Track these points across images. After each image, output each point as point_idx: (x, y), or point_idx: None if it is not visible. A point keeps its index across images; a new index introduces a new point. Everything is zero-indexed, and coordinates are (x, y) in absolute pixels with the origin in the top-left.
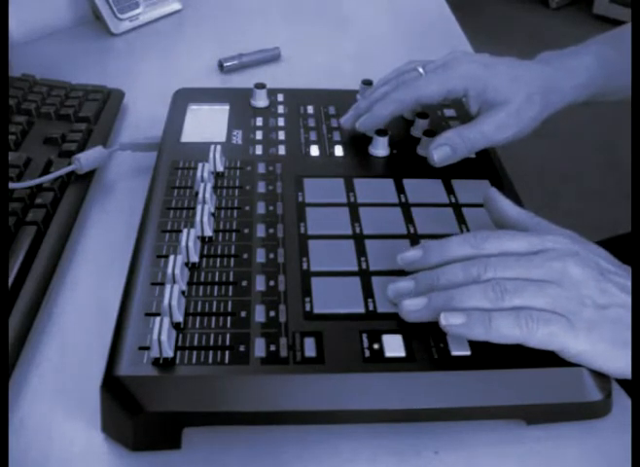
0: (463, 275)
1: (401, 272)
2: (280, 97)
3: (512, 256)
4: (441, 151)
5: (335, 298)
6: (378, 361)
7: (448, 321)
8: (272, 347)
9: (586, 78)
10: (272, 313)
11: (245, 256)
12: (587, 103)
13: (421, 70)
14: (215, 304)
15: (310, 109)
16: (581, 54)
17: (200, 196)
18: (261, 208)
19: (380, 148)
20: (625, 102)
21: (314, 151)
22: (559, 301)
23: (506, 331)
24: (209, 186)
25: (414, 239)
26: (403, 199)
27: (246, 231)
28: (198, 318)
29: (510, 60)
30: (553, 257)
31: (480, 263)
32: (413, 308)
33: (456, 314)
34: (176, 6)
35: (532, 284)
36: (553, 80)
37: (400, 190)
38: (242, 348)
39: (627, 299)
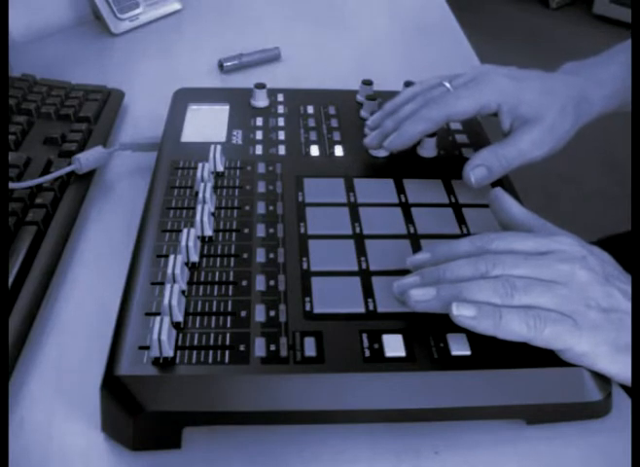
0: (471, 271)
1: (401, 272)
2: (280, 97)
3: (520, 254)
4: (477, 172)
5: (335, 298)
6: (378, 361)
7: (460, 311)
8: (272, 347)
9: (615, 88)
10: (272, 313)
11: (245, 256)
12: (616, 114)
13: (448, 85)
14: (215, 303)
15: (310, 109)
16: (608, 64)
17: (200, 195)
18: (261, 208)
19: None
20: None
21: (314, 151)
22: (566, 301)
23: (515, 328)
24: (209, 186)
25: (414, 239)
26: (403, 199)
27: (246, 230)
28: (198, 318)
29: (538, 73)
30: (561, 259)
31: (489, 259)
32: (421, 298)
33: (468, 306)
34: (176, 6)
35: (541, 284)
36: (584, 91)
37: (400, 190)
38: (242, 348)
39: (629, 304)
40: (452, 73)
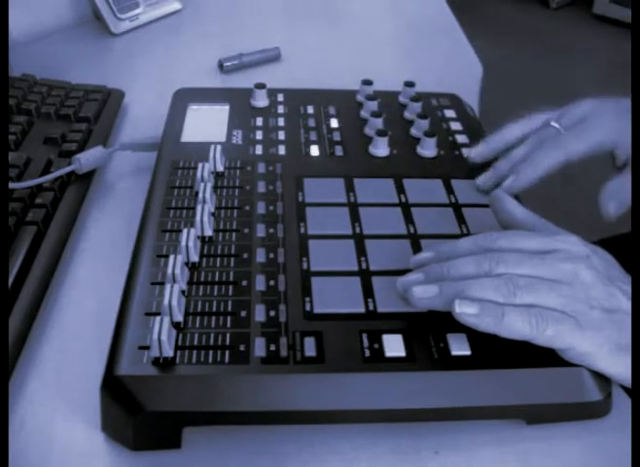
0: (474, 269)
1: (401, 272)
2: (280, 97)
3: (524, 253)
4: (616, 205)
5: (335, 298)
6: (378, 361)
7: (462, 309)
8: (272, 347)
9: None
10: (272, 313)
11: (245, 256)
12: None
13: (556, 125)
14: (215, 303)
15: (310, 109)
16: None
17: (200, 195)
18: (261, 208)
19: (380, 148)
20: None
21: (314, 151)
22: (569, 301)
23: (517, 327)
24: (209, 186)
25: (414, 239)
26: (403, 199)
27: (246, 230)
28: (198, 318)
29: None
30: (565, 258)
31: (492, 257)
32: (424, 295)
33: (470, 303)
34: (176, 6)
35: (544, 283)
36: None
37: (400, 190)
38: (242, 348)
39: (630, 305)
40: (553, 109)
